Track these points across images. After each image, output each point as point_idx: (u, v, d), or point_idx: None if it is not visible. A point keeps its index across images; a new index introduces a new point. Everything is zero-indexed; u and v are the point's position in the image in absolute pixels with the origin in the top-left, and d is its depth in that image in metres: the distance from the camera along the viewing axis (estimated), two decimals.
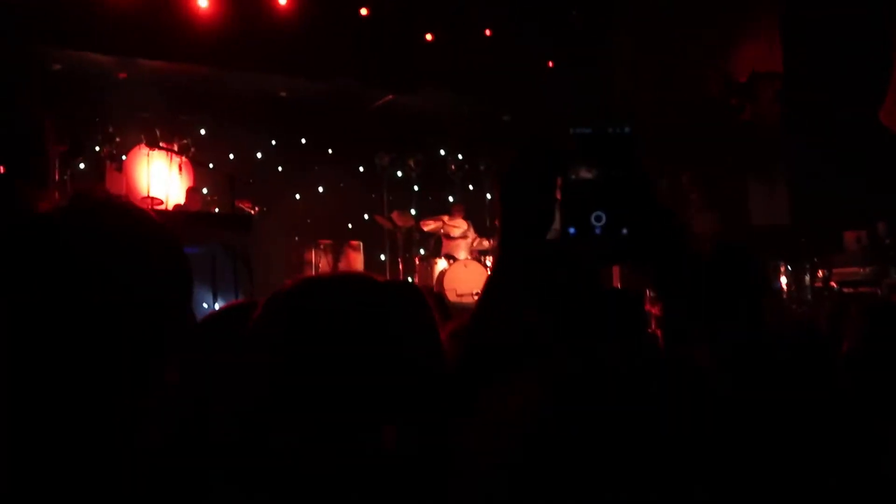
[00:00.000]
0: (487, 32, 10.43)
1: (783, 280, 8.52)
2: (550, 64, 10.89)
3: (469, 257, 9.81)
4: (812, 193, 8.99)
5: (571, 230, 1.05)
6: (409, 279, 9.94)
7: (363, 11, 9.64)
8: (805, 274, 8.92)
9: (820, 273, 8.80)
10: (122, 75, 9.29)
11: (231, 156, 10.52)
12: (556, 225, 1.08)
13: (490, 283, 1.18)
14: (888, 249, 8.36)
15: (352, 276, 1.36)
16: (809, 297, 8.62)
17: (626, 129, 1.06)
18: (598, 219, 1.04)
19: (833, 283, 8.42)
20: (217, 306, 6.54)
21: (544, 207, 1.12)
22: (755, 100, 9.83)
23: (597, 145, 1.06)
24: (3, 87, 7.00)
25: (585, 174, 1.05)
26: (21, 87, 7.33)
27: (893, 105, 8.70)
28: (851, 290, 8.12)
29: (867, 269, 8.25)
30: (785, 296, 8.41)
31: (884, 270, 8.12)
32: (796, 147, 9.41)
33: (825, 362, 1.67)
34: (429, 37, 10.25)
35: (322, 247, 10.07)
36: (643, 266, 1.08)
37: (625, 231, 1.04)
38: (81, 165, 8.97)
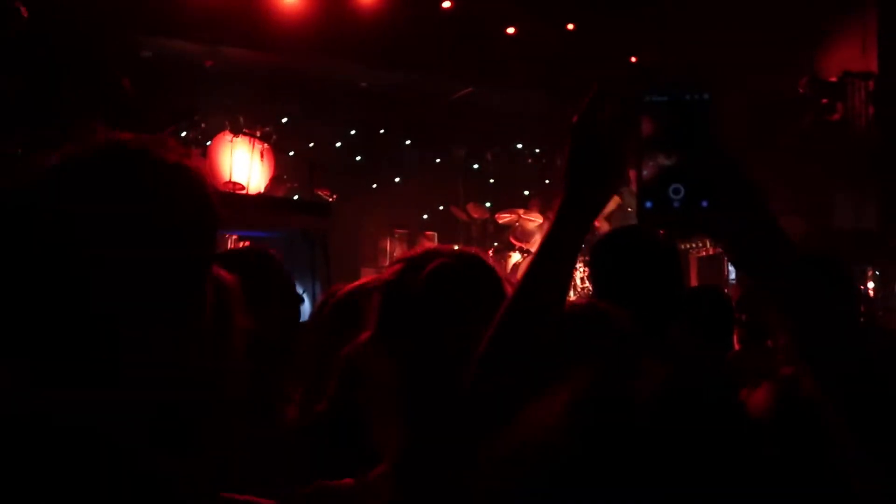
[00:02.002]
0: (570, 26, 10.33)
1: (870, 285, 8.24)
2: (633, 59, 10.71)
3: None
4: None
5: (648, 204, 1.00)
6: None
7: (446, 4, 9.67)
8: (893, 281, 8.62)
9: None
10: (209, 63, 9.52)
11: (311, 144, 10.69)
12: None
13: (547, 242, 1.11)
14: None
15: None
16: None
17: (706, 96, 1.01)
18: (677, 192, 0.99)
19: None
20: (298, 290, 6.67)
21: (617, 158, 1.08)
22: (847, 100, 9.50)
23: (674, 113, 1.01)
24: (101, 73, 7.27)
25: (662, 144, 1.01)
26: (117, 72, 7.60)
27: None
28: None
29: None
30: (871, 302, 8.14)
31: None
32: (889, 149, 9.08)
33: None
34: (510, 30, 10.21)
35: (397, 236, 10.15)
36: (724, 242, 1.02)
37: (704, 204, 0.99)
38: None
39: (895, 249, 8.39)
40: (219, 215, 1.09)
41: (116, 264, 0.95)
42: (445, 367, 1.35)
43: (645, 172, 1.00)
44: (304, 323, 2.23)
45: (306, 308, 3.58)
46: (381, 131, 11.42)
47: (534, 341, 1.09)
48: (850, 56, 9.64)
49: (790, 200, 9.79)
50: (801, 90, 9.66)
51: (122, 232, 0.97)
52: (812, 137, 9.64)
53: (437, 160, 11.63)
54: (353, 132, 11.26)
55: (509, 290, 1.37)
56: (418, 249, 1.55)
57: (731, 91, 9.49)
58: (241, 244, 8.63)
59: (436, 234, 10.60)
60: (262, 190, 9.12)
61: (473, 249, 1.59)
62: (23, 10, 6.09)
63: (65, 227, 0.95)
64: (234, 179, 8.88)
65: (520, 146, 11.98)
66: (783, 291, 0.99)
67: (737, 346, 3.00)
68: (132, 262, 0.96)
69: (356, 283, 1.97)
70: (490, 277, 1.51)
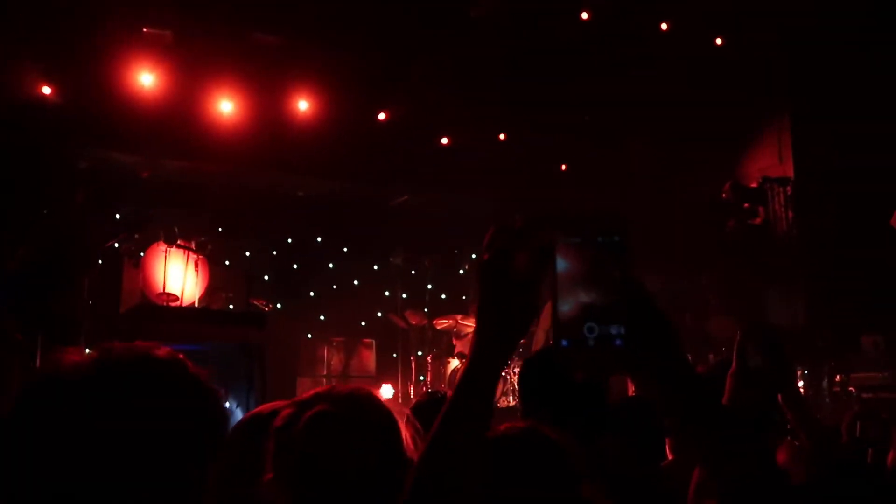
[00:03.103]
0: (502, 136, 10.66)
1: (800, 384, 8.40)
2: (563, 167, 11.07)
3: None
4: (828, 296, 8.97)
5: (564, 342, 1.02)
6: (421, 378, 9.86)
7: (381, 116, 9.91)
8: (823, 378, 8.81)
9: (838, 377, 8.69)
10: (146, 174, 9.52)
11: (248, 253, 10.64)
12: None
13: (464, 381, 1.11)
14: None
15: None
16: (827, 401, 8.49)
17: (617, 238, 1.05)
18: (591, 330, 1.01)
19: (852, 389, 8.29)
20: (228, 405, 6.50)
21: (530, 297, 1.09)
22: (767, 204, 9.92)
23: (587, 254, 1.04)
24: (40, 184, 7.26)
25: (576, 283, 1.03)
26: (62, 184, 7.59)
27: None
28: (871, 395, 7.98)
29: (886, 374, 8.13)
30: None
31: None
32: (810, 250, 9.45)
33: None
34: (444, 140, 10.48)
35: (335, 344, 10.05)
36: (639, 380, 1.05)
37: (618, 343, 1.01)
38: (99, 262, 9.10)
39: (823, 349, 8.62)
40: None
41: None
42: None
43: (561, 310, 1.03)
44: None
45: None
46: (318, 239, 11.45)
47: (457, 479, 1.09)
48: (768, 163, 10.14)
49: (724, 300, 10.09)
50: (723, 195, 10.07)
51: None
52: (737, 241, 10.00)
53: (375, 267, 11.67)
54: (290, 240, 11.26)
55: (402, 425, 1.39)
56: (307, 394, 1.58)
57: (656, 197, 9.88)
58: None
59: (374, 342, 10.54)
60: (195, 301, 9.01)
61: (367, 390, 1.62)
62: None
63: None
64: (167, 290, 8.77)
65: (456, 251, 12.12)
66: (698, 436, 1.02)
67: (670, 456, 3.01)
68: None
69: (264, 407, 1.95)
70: (377, 418, 1.55)
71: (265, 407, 1.99)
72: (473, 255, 12.07)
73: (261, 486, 1.48)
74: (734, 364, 1.83)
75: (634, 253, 1.04)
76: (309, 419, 1.47)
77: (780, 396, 2.20)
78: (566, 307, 1.02)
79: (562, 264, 1.04)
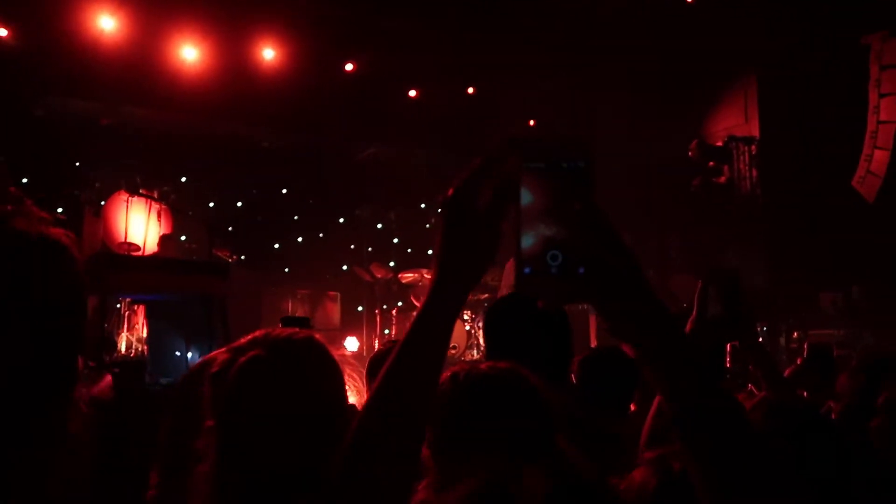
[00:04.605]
0: (470, 90, 10.58)
1: (759, 339, 8.54)
2: (532, 123, 11.03)
3: None
4: (789, 255, 9.11)
5: (526, 270, 1.00)
6: (386, 331, 9.88)
7: (348, 67, 9.77)
8: (781, 335, 8.98)
9: (795, 334, 8.86)
10: (105, 122, 9.31)
11: (211, 204, 10.51)
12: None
13: (421, 318, 1.07)
14: (863, 312, 8.44)
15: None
16: (784, 357, 8.66)
17: (581, 163, 1.02)
18: (554, 258, 1.00)
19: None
20: (189, 355, 6.46)
21: (492, 233, 1.06)
22: (733, 163, 10.00)
23: (550, 180, 1.02)
24: None
25: (540, 211, 1.01)
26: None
27: (866, 172, 8.88)
28: None
29: (842, 332, 8.30)
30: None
31: (858, 332, 8.18)
32: (773, 210, 9.57)
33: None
34: (412, 93, 10.38)
35: (299, 296, 10.02)
36: (601, 308, 1.03)
37: (581, 270, 0.99)
38: (59, 210, 8.93)
39: (782, 306, 8.77)
40: (85, 287, 1.06)
41: None
42: (255, 460, 1.40)
43: (524, 239, 1.01)
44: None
45: None
46: (284, 191, 11.34)
47: (411, 417, 1.07)
48: (734, 122, 10.19)
49: (684, 259, 10.20)
50: (689, 154, 10.12)
51: None
52: (702, 199, 10.08)
53: (341, 220, 11.60)
54: (254, 191, 11.14)
55: (347, 370, 1.38)
56: (244, 339, 1.55)
57: (622, 155, 9.91)
58: (135, 307, 8.37)
59: (339, 295, 10.52)
60: (157, 249, 8.90)
61: (307, 334, 1.59)
62: None
63: None
64: (129, 240, 8.64)
65: (423, 206, 12.09)
66: (656, 359, 1.01)
67: (633, 407, 3.04)
68: None
69: (211, 355, 1.92)
70: (315, 363, 1.54)
71: (212, 354, 1.96)
72: (440, 210, 12.05)
73: (202, 433, 1.46)
74: (694, 311, 1.84)
75: (597, 180, 1.02)
76: (241, 365, 1.44)
77: (738, 343, 2.22)
78: (529, 236, 1.01)
79: (525, 194, 1.02)
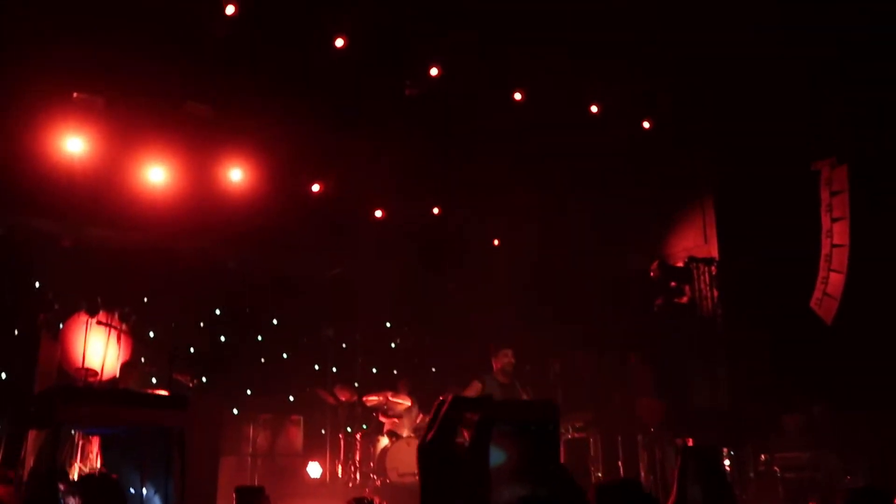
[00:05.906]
0: (436, 210, 10.74)
1: (726, 464, 8.47)
2: (496, 242, 11.19)
3: (412, 435, 9.54)
4: (751, 376, 9.15)
5: None
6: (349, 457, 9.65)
7: (315, 188, 9.89)
8: (748, 458, 8.91)
9: (762, 457, 8.80)
10: (67, 243, 9.23)
11: (173, 324, 10.37)
12: None
13: None
14: (826, 434, 8.43)
15: None
16: (752, 475, 8.57)
17: (550, 426, 1.06)
18: None
19: (776, 468, 8.40)
20: (145, 492, 6.20)
21: (471, 477, 1.07)
22: (693, 283, 10.15)
23: (521, 440, 1.05)
24: None
25: (511, 469, 1.03)
26: None
27: (822, 294, 9.05)
28: (793, 475, 8.10)
29: (807, 454, 8.26)
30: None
31: (824, 455, 8.14)
32: (734, 330, 9.66)
33: None
34: (378, 213, 10.50)
35: (261, 421, 9.78)
36: None
37: None
38: (15, 332, 8.76)
39: (746, 428, 8.74)
40: None
41: None
42: None
43: (497, 497, 1.02)
44: None
45: None
46: (247, 310, 11.24)
47: None
48: (693, 243, 10.42)
49: (651, 379, 10.20)
50: (651, 274, 10.26)
51: None
52: (664, 319, 10.17)
53: (305, 340, 11.49)
54: (217, 311, 11.03)
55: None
56: None
57: (594, 274, 10.05)
58: (89, 437, 8.10)
59: (301, 419, 10.29)
60: (115, 374, 8.69)
61: None
62: None
63: None
64: (86, 365, 8.44)
65: (388, 325, 12.04)
66: None
67: None
68: None
69: None
70: None
71: None
72: (406, 328, 12.00)
73: None
74: (674, 491, 1.83)
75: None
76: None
77: None
78: (502, 493, 1.02)
79: (497, 453, 1.04)
